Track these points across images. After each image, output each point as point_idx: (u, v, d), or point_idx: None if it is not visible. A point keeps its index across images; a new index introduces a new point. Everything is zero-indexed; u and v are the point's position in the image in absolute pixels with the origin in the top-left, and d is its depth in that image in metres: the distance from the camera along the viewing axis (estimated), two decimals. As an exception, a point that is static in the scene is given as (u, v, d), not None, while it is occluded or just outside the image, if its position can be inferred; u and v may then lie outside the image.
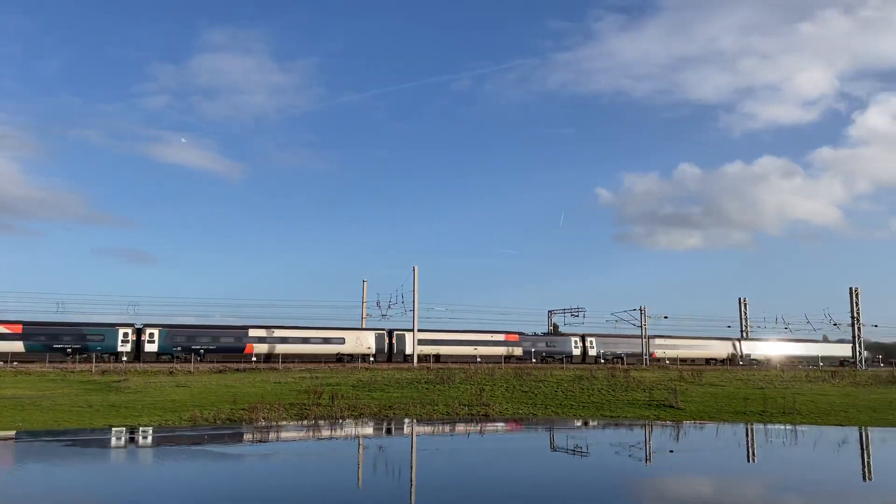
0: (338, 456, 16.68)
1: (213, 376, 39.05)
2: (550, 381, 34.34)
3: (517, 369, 46.29)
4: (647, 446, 18.65)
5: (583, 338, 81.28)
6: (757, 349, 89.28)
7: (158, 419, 19.99)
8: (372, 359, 74.12)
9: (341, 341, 76.22)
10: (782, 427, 21.21)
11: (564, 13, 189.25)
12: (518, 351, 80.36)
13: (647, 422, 23.23)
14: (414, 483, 12.75)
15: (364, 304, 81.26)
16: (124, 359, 64.59)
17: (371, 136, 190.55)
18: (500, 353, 76.14)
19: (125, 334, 66.26)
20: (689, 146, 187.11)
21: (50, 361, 59.69)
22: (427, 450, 17.43)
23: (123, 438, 18.42)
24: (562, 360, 75.88)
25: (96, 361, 59.06)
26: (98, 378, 35.43)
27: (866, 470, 14.80)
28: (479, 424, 21.00)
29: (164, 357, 61.24)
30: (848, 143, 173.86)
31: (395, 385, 32.30)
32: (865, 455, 17.23)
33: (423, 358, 69.79)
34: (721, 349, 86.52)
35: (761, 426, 21.50)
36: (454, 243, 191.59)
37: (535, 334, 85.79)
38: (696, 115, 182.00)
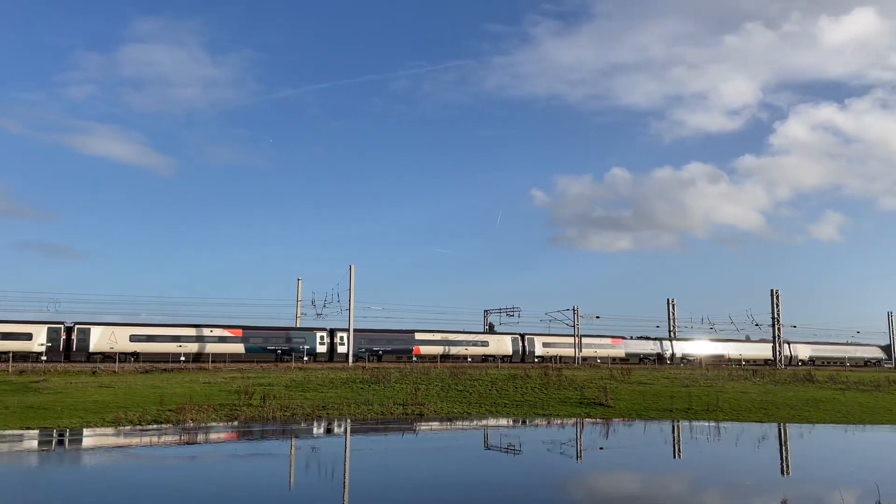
0: (268, 457, 16.38)
1: (138, 376, 37.75)
2: (485, 380, 34.55)
3: (453, 368, 46.45)
4: (579, 444, 19.03)
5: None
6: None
7: (80, 421, 19.19)
8: (507, 360, 76.09)
9: (485, 344, 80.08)
10: (706, 424, 21.94)
11: (501, 17, 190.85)
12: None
13: (578, 419, 23.71)
14: (347, 484, 12.64)
15: (299, 302, 79.73)
16: (323, 360, 67.79)
17: (307, 132, 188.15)
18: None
19: (321, 337, 71.31)
20: (620, 151, 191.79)
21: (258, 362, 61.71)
22: (361, 450, 17.31)
23: (37, 441, 17.60)
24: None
25: (296, 361, 61.54)
26: (14, 378, 33.87)
27: (784, 464, 15.49)
28: (414, 424, 20.96)
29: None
30: (769, 151, 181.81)
31: (329, 385, 31.88)
32: (784, 450, 18.02)
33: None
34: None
35: (687, 423, 22.20)
36: (391, 242, 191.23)
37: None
38: (627, 121, 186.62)
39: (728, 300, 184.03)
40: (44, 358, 53.66)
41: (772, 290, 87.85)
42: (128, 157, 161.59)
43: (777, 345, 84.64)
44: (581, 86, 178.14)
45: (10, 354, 52.42)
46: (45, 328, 57.57)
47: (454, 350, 74.30)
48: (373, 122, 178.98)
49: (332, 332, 69.43)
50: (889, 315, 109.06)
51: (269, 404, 22.51)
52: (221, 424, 19.56)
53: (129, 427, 18.69)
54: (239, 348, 67.25)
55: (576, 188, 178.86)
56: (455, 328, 77.95)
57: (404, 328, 75.63)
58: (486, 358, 74.50)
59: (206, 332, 65.50)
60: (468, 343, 76.85)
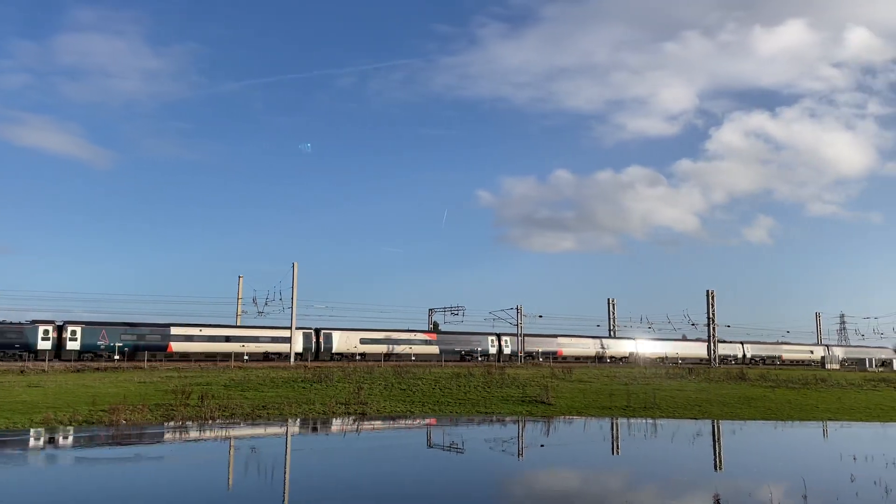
0: (206, 458, 16.01)
1: (69, 375, 36.40)
2: (428, 379, 34.56)
3: (396, 367, 46.34)
4: (520, 441, 19.23)
5: (499, 336, 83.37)
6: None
7: (6, 422, 18.38)
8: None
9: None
10: (644, 421, 22.46)
11: (449, 18, 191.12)
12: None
13: (520, 417, 23.96)
14: (287, 485, 12.46)
15: (239, 300, 78.23)
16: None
17: (251, 127, 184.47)
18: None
19: (492, 341, 78.52)
20: (564, 153, 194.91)
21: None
22: (301, 450, 17.10)
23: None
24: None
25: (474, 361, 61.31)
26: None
27: (717, 460, 15.98)
28: (357, 423, 20.82)
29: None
30: (705, 156, 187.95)
31: (269, 384, 31.36)
32: (717, 446, 18.61)
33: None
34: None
35: (625, 420, 22.69)
36: (336, 240, 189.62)
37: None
38: (571, 123, 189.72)
39: (667, 300, 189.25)
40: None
41: (707, 291, 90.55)
42: (63, 149, 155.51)
43: (712, 343, 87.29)
44: (527, 88, 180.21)
45: None
46: None
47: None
48: (319, 119, 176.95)
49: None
50: (817, 316, 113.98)
51: (208, 404, 22.02)
52: (157, 425, 19.05)
53: (60, 427, 18.02)
54: (435, 350, 74.32)
55: (520, 189, 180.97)
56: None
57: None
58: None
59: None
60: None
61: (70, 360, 53.92)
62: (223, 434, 18.23)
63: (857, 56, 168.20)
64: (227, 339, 65.56)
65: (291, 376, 35.54)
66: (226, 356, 60.46)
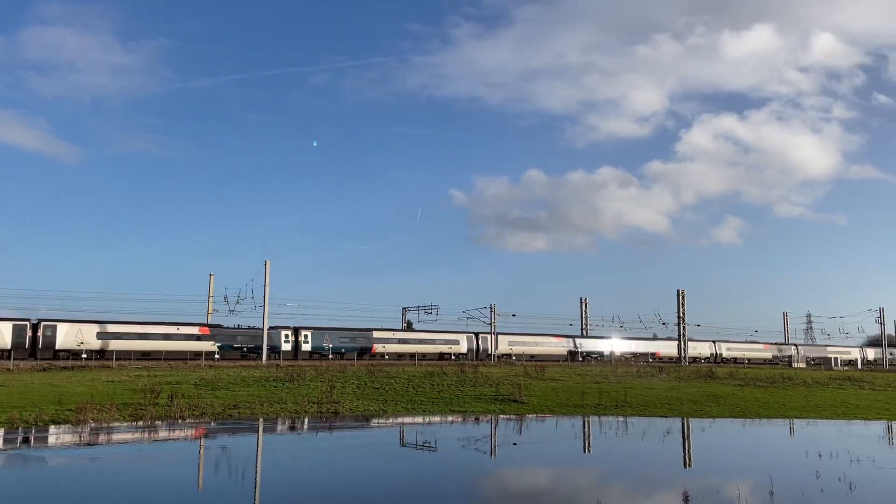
0: (176, 458, 15.80)
1: (35, 374, 35.68)
2: (401, 378, 34.49)
3: (369, 366, 46.21)
4: (493, 440, 19.29)
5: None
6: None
7: (-32, 422, 18.00)
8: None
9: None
10: (615, 419, 22.67)
11: (423, 17, 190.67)
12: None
13: (493, 416, 24.04)
14: (258, 485, 12.35)
15: (210, 298, 76.99)
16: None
17: (223, 125, 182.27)
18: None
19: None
20: (537, 153, 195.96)
21: None
22: (273, 449, 16.96)
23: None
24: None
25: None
26: None
27: (687, 457, 16.19)
28: (329, 422, 20.72)
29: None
30: (675, 157, 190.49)
31: (240, 383, 31.04)
32: (686, 444, 18.84)
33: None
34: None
35: (597, 418, 22.88)
36: (309, 239, 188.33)
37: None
38: (544, 124, 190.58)
39: (638, 299, 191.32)
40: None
41: (678, 291, 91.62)
42: (30, 144, 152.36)
43: (682, 342, 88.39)
44: (501, 89, 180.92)
45: None
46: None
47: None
48: (292, 117, 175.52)
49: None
50: (785, 315, 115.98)
51: (177, 403, 21.74)
52: (125, 424, 18.77)
53: (25, 427, 17.66)
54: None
55: (493, 189, 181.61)
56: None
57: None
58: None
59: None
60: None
61: (298, 359, 61.77)
62: (193, 433, 18.02)
63: (822, 61, 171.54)
64: (405, 341, 76.61)
65: (263, 375, 35.25)
66: (412, 355, 70.33)
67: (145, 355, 58.45)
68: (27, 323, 56.79)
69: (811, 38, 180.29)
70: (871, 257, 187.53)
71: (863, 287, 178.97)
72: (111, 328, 60.82)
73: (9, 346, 54.15)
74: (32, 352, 54.97)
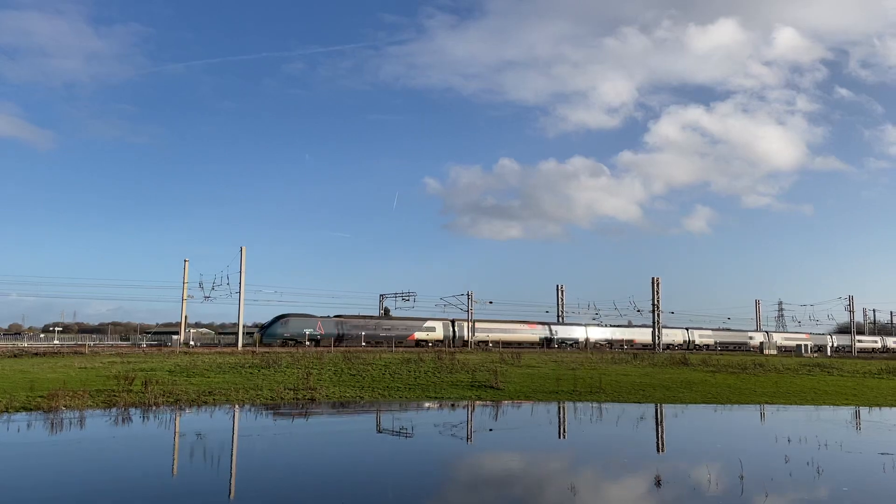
0: (150, 444, 15.67)
1: (5, 361, 35.09)
2: (378, 364, 34.51)
3: (346, 353, 46.17)
4: (469, 426, 19.39)
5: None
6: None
7: (-64, 409, 17.68)
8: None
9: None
10: (590, 405, 22.90)
11: (397, 7, 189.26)
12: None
13: (469, 402, 24.15)
14: (234, 471, 12.31)
15: (185, 284, 76.14)
16: None
17: (196, 111, 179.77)
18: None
19: None
20: (509, 143, 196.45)
21: None
22: (249, 436, 16.88)
23: None
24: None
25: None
26: None
27: (659, 442, 16.42)
28: (305, 408, 20.68)
29: None
30: (645, 148, 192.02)
31: (216, 370, 30.84)
32: (659, 429, 19.11)
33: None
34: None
35: (572, 404, 23.10)
36: (284, 225, 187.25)
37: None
38: (517, 114, 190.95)
39: (612, 287, 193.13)
40: None
41: (653, 279, 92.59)
42: (3, 130, 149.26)
43: (657, 329, 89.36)
44: (475, 79, 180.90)
45: None
46: None
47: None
48: (266, 104, 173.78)
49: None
50: (757, 303, 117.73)
51: (152, 390, 21.57)
52: (98, 411, 18.58)
53: (-7, 415, 17.39)
54: None
55: (467, 177, 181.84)
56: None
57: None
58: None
59: None
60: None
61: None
62: (167, 420, 17.89)
63: (785, 55, 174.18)
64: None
65: (238, 362, 35.06)
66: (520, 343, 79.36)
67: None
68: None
69: (774, 33, 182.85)
70: (838, 246, 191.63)
71: (832, 275, 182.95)
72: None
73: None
74: None
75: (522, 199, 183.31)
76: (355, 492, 10.57)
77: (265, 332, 68.98)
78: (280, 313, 71.00)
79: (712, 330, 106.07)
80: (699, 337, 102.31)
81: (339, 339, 71.51)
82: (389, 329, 77.39)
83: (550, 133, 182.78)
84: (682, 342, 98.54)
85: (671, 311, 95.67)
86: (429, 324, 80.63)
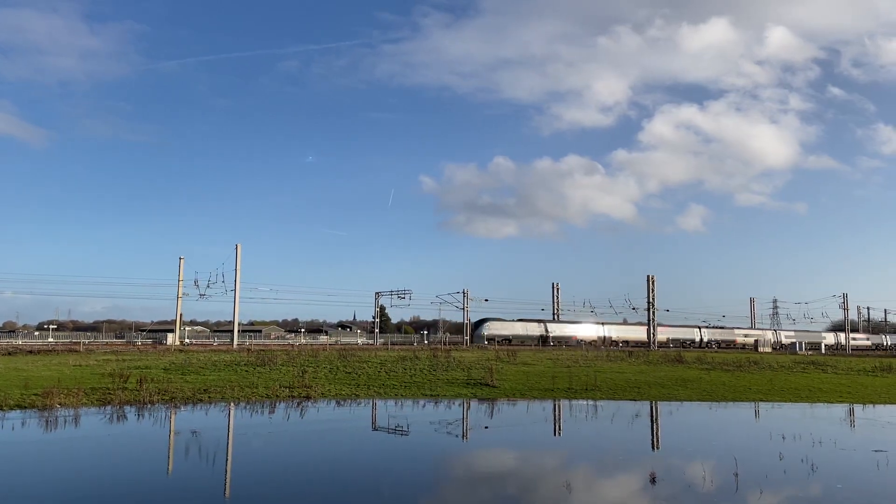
0: (146, 443, 15.64)
1: (0, 359, 35.08)
2: (374, 362, 34.51)
3: (342, 350, 46.14)
4: (465, 424, 19.40)
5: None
6: (566, 331, 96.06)
7: (-70, 407, 17.62)
8: None
9: None
10: (585, 402, 22.94)
11: (392, 6, 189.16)
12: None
13: (465, 400, 24.16)
14: (229, 469, 12.30)
15: (181, 282, 75.95)
16: None
17: (192, 109, 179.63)
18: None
19: None
20: (504, 141, 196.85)
21: None
22: (244, 434, 16.86)
23: None
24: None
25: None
26: None
27: (655, 440, 16.46)
28: (301, 406, 20.65)
29: None
30: (639, 147, 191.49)
31: (211, 368, 30.79)
32: (654, 427, 19.15)
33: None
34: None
35: (567, 402, 23.12)
36: (280, 223, 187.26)
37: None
38: (512, 113, 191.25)
39: (607, 285, 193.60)
40: None
41: (648, 276, 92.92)
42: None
43: (651, 327, 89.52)
44: (471, 78, 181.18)
45: None
46: None
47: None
48: (261, 102, 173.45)
49: None
50: (752, 301, 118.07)
51: (147, 388, 21.53)
52: (93, 409, 18.53)
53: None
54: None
55: (462, 175, 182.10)
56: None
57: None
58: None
59: None
60: None
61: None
62: (162, 418, 17.86)
63: (777, 54, 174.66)
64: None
65: (234, 360, 35.02)
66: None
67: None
68: None
69: (766, 32, 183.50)
70: (832, 244, 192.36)
71: (826, 273, 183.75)
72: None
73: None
74: None
75: (517, 197, 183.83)
76: (350, 489, 10.58)
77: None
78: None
79: (727, 328, 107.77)
80: (713, 335, 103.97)
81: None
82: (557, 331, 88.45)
83: (545, 131, 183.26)
84: (696, 340, 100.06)
85: (667, 308, 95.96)
86: (584, 325, 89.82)
